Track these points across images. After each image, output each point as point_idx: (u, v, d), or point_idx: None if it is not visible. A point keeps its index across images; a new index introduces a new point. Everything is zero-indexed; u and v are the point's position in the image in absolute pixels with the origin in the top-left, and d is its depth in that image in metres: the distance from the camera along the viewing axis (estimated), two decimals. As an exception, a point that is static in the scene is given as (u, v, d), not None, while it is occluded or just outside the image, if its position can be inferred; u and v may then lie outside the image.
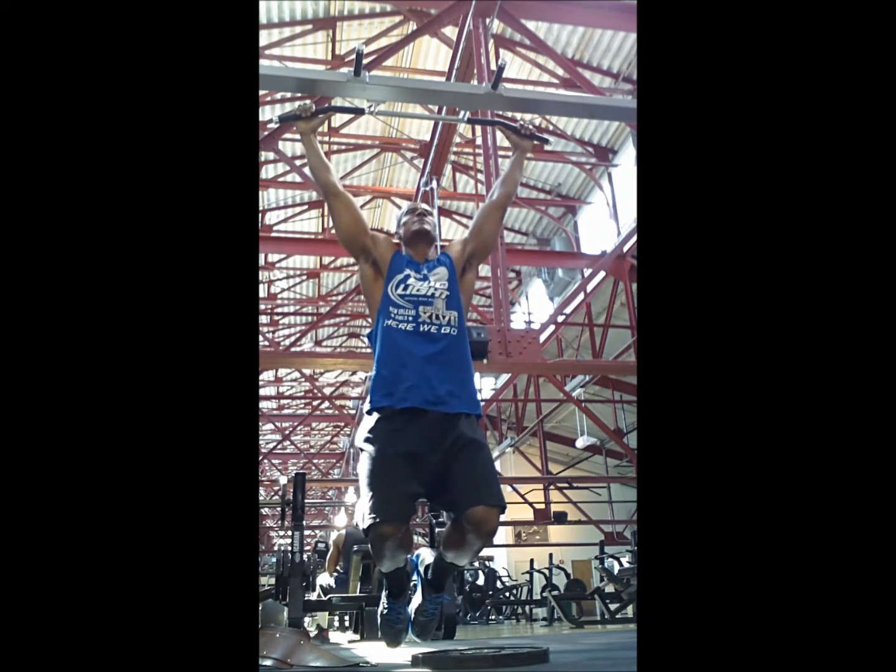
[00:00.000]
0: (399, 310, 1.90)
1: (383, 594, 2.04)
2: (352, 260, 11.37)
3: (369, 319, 12.95)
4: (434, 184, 6.30)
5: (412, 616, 2.03)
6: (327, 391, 13.14)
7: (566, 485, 9.99)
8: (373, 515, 1.71)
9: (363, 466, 1.82)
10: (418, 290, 1.92)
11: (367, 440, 1.84)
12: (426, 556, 2.05)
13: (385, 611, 2.03)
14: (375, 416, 1.85)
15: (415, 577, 2.09)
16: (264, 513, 12.07)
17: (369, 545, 1.79)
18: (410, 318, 1.89)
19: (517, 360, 4.74)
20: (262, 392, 13.67)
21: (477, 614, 9.26)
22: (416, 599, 2.03)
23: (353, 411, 13.82)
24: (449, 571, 1.98)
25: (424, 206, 2.18)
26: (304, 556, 4.56)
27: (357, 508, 1.86)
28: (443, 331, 1.90)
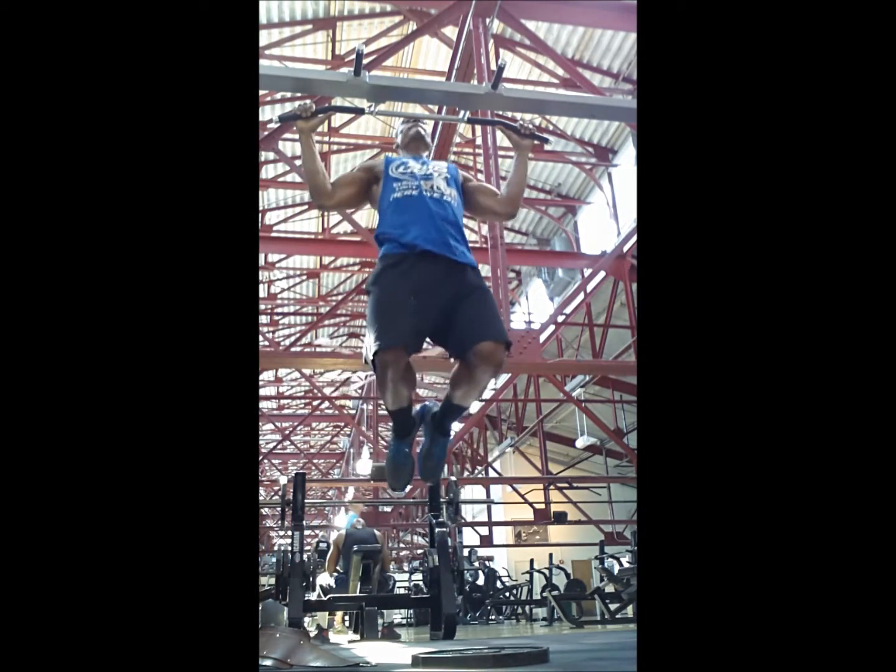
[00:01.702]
0: (402, 183, 2.01)
1: (390, 436, 2.12)
2: (352, 260, 11.36)
3: (367, 324, 12.92)
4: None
5: (421, 461, 2.10)
6: (327, 391, 13.13)
7: (566, 485, 10.00)
8: (377, 342, 1.78)
9: (370, 305, 1.91)
10: (419, 170, 2.05)
11: (373, 282, 1.93)
12: (432, 404, 2.13)
13: (392, 451, 2.11)
14: (383, 262, 1.95)
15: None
16: (264, 513, 12.07)
17: (374, 375, 1.87)
18: (414, 187, 2.00)
19: (517, 360, 4.74)
20: (262, 392, 13.67)
21: (477, 614, 9.26)
22: (425, 445, 2.10)
23: (353, 411, 13.82)
24: (456, 413, 2.07)
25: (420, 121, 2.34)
26: (304, 556, 4.56)
27: (364, 345, 1.91)
28: (445, 198, 2.00)
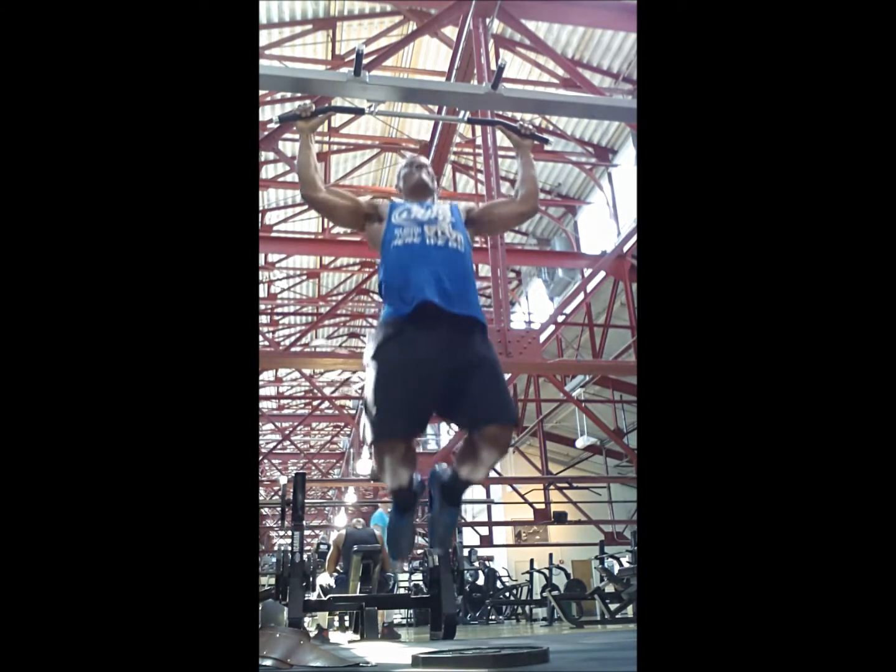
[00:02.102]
0: (404, 229, 1.92)
1: (391, 508, 2.08)
2: (352, 260, 11.35)
3: (370, 320, 12.88)
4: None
5: (429, 527, 2.06)
6: (327, 391, 13.13)
7: (566, 485, 10.00)
8: (374, 433, 1.73)
9: (369, 380, 1.82)
10: (422, 215, 1.95)
11: (374, 356, 1.84)
12: (441, 471, 2.06)
13: (392, 524, 2.07)
14: (382, 331, 1.86)
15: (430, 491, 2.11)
16: (264, 513, 12.08)
17: (372, 461, 1.84)
18: (416, 234, 1.90)
19: (517, 360, 4.74)
20: (262, 392, 13.67)
21: (477, 614, 9.26)
22: (433, 514, 2.04)
23: (353, 411, 13.82)
24: (464, 487, 2.00)
25: (423, 158, 2.23)
26: (304, 556, 4.56)
27: (362, 423, 1.88)
28: (450, 244, 1.90)
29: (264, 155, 7.69)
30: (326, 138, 8.70)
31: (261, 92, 5.50)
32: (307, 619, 5.74)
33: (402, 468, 1.84)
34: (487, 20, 5.40)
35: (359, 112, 2.42)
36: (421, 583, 9.28)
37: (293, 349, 8.91)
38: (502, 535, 12.42)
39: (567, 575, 9.22)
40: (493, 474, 11.62)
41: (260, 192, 9.41)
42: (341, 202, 2.06)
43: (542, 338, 5.79)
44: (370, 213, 2.04)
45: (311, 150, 2.04)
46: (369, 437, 1.75)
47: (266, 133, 6.35)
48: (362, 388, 1.89)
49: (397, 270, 1.88)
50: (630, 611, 6.32)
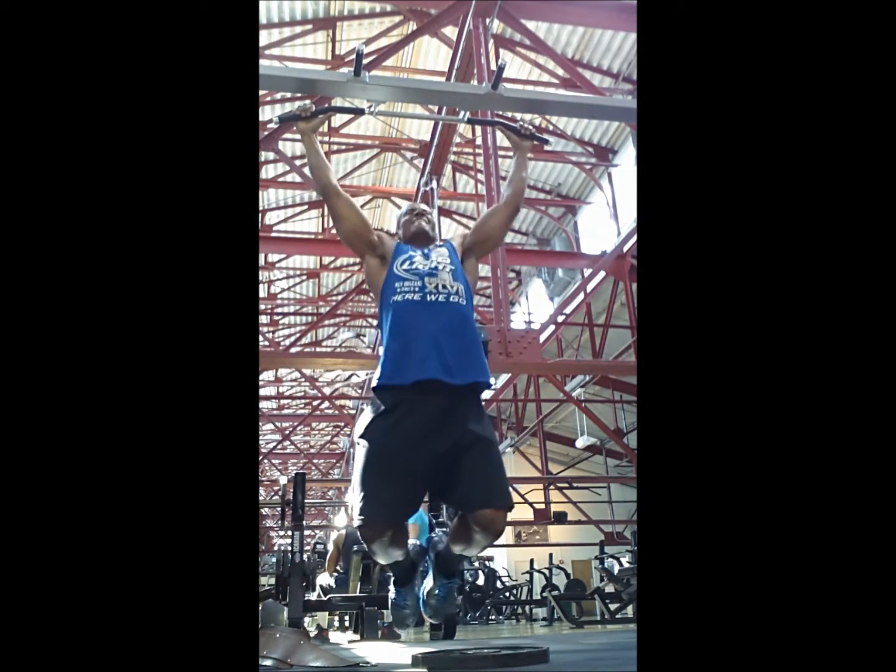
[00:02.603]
0: (405, 282, 1.88)
1: (391, 582, 2.06)
2: (352, 260, 11.34)
3: (370, 320, 12.84)
4: (434, 184, 6.31)
5: (424, 598, 2.02)
6: (327, 391, 13.14)
7: (566, 485, 9.99)
8: (362, 516, 1.71)
9: (359, 459, 1.79)
10: (423, 265, 1.92)
11: (364, 434, 1.80)
12: (437, 539, 2.04)
13: (393, 597, 2.05)
14: (376, 405, 1.82)
15: (426, 559, 2.09)
16: (264, 513, 12.07)
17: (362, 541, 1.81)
18: (417, 289, 1.86)
19: (517, 360, 4.74)
20: (262, 392, 13.67)
21: (477, 614, 9.26)
22: (428, 583, 2.01)
23: (352, 411, 13.82)
24: (458, 560, 1.97)
25: (423, 206, 2.21)
26: (304, 556, 4.56)
27: (350, 503, 1.88)
28: (451, 299, 1.87)
29: (264, 155, 7.69)
30: (326, 138, 8.70)
31: (261, 92, 5.50)
32: (307, 619, 5.74)
33: (392, 548, 1.82)
34: (487, 20, 5.40)
35: (359, 112, 2.42)
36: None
37: (293, 349, 8.91)
38: (502, 535, 12.42)
39: (567, 575, 9.22)
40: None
41: (260, 192, 9.41)
42: (353, 218, 2.01)
43: (542, 338, 5.80)
44: (374, 244, 2.00)
45: (319, 151, 2.03)
46: (356, 521, 1.74)
47: (266, 133, 6.35)
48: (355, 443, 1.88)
49: (398, 333, 1.83)
50: (630, 611, 6.32)
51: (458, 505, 1.83)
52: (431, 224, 2.12)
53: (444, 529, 2.02)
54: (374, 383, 1.84)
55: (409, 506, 1.82)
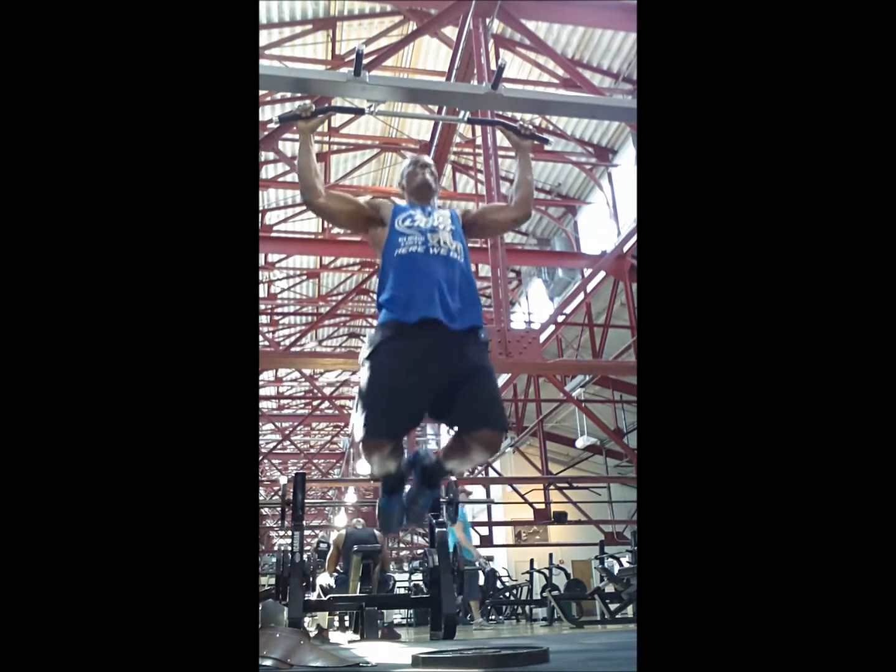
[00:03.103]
0: (408, 238, 1.96)
1: (381, 488, 2.14)
2: (352, 260, 11.34)
3: (370, 320, 12.87)
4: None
5: (407, 504, 2.12)
6: (327, 391, 13.14)
7: (566, 485, 9.99)
8: (365, 430, 1.78)
9: (363, 379, 1.87)
10: (424, 223, 1.99)
11: (369, 356, 1.87)
12: (423, 454, 2.14)
13: (381, 504, 2.13)
14: (381, 333, 1.89)
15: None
16: (264, 513, 12.07)
17: (361, 453, 1.88)
18: (420, 243, 1.94)
19: (517, 360, 4.74)
20: (262, 392, 13.67)
21: (473, 615, 9.24)
22: (412, 492, 2.11)
23: (352, 411, 13.80)
24: (442, 474, 2.08)
25: (427, 157, 2.25)
26: (304, 556, 4.56)
27: (353, 420, 1.93)
28: (451, 255, 1.95)
29: (264, 155, 7.69)
30: (326, 138, 8.70)
31: (261, 92, 5.50)
32: (307, 619, 5.74)
33: (389, 461, 1.90)
34: (487, 20, 5.40)
35: (359, 112, 2.42)
36: (421, 583, 9.28)
37: (293, 349, 8.91)
38: (502, 535, 12.42)
39: (567, 575, 9.21)
40: (493, 474, 11.65)
41: (260, 192, 9.41)
42: (343, 207, 2.07)
43: (542, 338, 5.80)
44: (372, 215, 2.07)
45: (311, 152, 2.05)
46: (358, 436, 1.80)
47: (266, 133, 6.35)
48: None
49: (401, 282, 1.91)
50: (630, 611, 6.32)
51: (456, 424, 1.90)
52: (435, 176, 2.16)
53: (429, 447, 2.11)
54: (380, 320, 1.94)
55: (409, 420, 1.91)
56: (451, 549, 5.53)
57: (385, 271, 1.97)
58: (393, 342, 1.86)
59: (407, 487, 2.13)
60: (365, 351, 1.91)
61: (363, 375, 1.87)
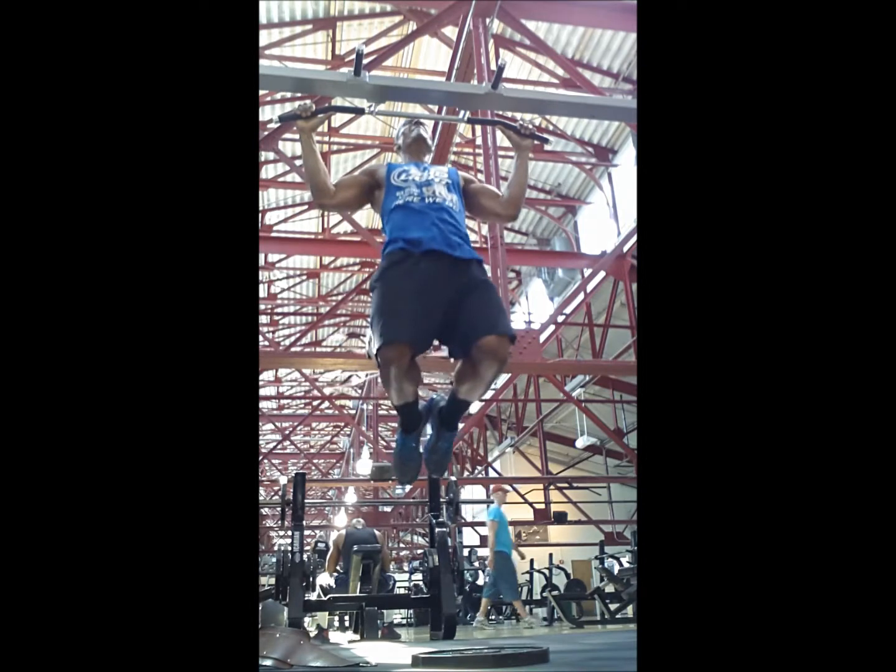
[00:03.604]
0: (403, 191, 2.04)
1: (397, 429, 2.13)
2: (352, 260, 11.34)
3: (370, 320, 12.93)
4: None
5: (426, 454, 2.12)
6: (327, 391, 13.13)
7: (566, 485, 10.00)
8: (380, 338, 1.78)
9: (374, 301, 1.92)
10: (419, 177, 2.07)
11: (378, 279, 1.94)
12: (438, 398, 2.14)
13: (399, 445, 2.12)
14: (388, 259, 1.96)
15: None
16: (264, 513, 12.08)
17: (378, 372, 1.88)
18: (416, 195, 2.02)
19: (517, 360, 4.74)
20: (262, 392, 13.67)
21: (477, 614, 9.25)
22: (431, 438, 2.11)
23: (353, 411, 13.83)
24: (462, 408, 2.07)
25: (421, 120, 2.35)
26: (304, 556, 4.56)
27: (367, 341, 1.93)
28: (447, 204, 2.02)
29: (264, 155, 7.69)
30: (326, 138, 8.70)
31: (261, 92, 5.50)
32: (307, 619, 5.74)
33: (406, 382, 1.90)
34: (487, 20, 5.40)
35: (359, 112, 2.42)
36: (421, 583, 9.28)
37: (293, 349, 8.91)
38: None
39: (567, 575, 9.22)
40: (492, 474, 11.64)
41: (260, 192, 9.41)
42: (352, 194, 2.14)
43: (542, 338, 5.79)
44: (371, 182, 2.14)
45: (315, 153, 2.06)
46: (375, 346, 1.80)
47: (266, 133, 6.35)
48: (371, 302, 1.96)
49: (401, 226, 1.98)
50: (630, 611, 6.32)
51: (463, 339, 1.90)
52: (428, 133, 2.27)
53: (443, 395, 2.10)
54: (386, 251, 1.99)
55: (423, 332, 1.90)
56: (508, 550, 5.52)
57: (386, 224, 2.05)
58: (401, 265, 1.92)
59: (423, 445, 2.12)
60: (375, 275, 1.97)
61: (375, 295, 1.92)
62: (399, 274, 1.92)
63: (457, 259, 1.94)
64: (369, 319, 1.91)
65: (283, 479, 5.28)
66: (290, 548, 4.52)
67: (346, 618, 6.67)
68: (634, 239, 6.56)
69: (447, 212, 2.01)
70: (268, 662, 2.41)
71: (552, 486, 9.83)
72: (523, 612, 6.62)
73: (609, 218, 9.18)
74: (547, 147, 8.24)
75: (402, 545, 16.16)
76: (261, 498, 9.37)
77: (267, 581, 7.88)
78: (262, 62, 2.88)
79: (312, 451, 17.05)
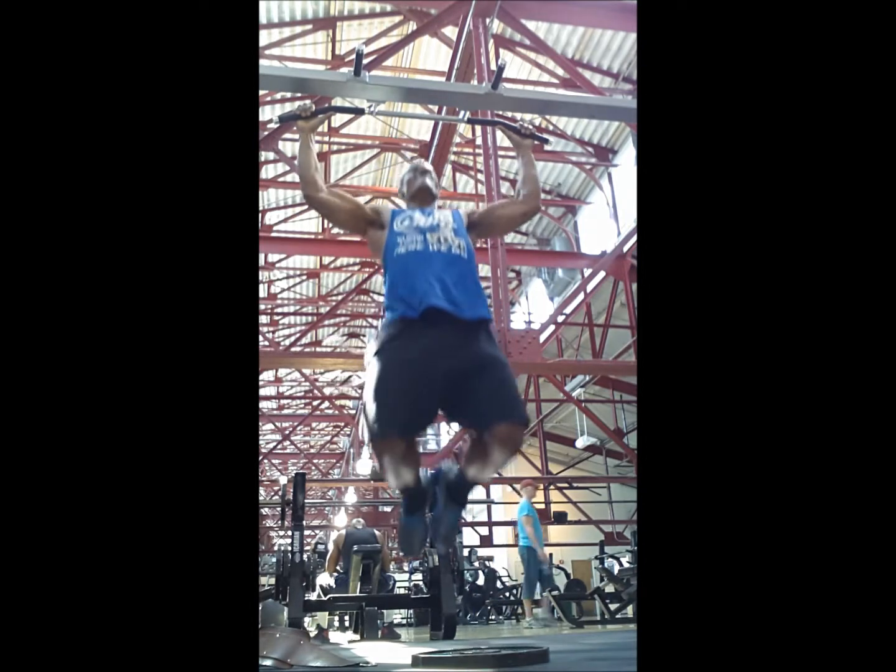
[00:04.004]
0: (407, 238, 1.92)
1: (401, 507, 2.05)
2: (352, 260, 11.33)
3: (370, 320, 12.84)
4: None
5: (433, 525, 2.01)
6: (327, 391, 13.14)
7: (566, 485, 10.00)
8: (373, 428, 1.70)
9: (370, 377, 1.78)
10: (424, 222, 1.96)
11: (377, 353, 1.81)
12: (447, 469, 2.02)
13: (402, 522, 2.03)
14: (387, 331, 1.83)
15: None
16: (264, 513, 12.08)
17: (374, 461, 1.82)
18: (419, 241, 1.90)
19: (517, 360, 4.74)
20: (262, 392, 13.67)
21: (477, 614, 9.25)
22: (438, 510, 2.00)
23: (353, 411, 13.83)
24: (470, 487, 1.96)
25: (426, 164, 2.23)
26: (304, 556, 4.56)
27: (362, 422, 1.87)
28: (453, 251, 1.91)
29: (264, 155, 7.69)
30: (326, 138, 8.70)
31: (261, 92, 5.50)
32: (307, 619, 5.74)
33: (404, 468, 1.81)
34: (487, 20, 5.41)
35: (359, 112, 2.42)
36: (421, 583, 9.28)
37: (293, 349, 8.91)
38: (502, 535, 12.42)
39: (567, 575, 9.21)
40: (493, 474, 11.64)
41: (260, 192, 9.42)
42: (342, 205, 2.05)
43: (542, 338, 5.80)
44: (372, 218, 2.04)
45: (311, 150, 2.04)
46: (367, 437, 1.73)
47: (266, 133, 6.35)
48: (363, 388, 1.84)
49: (402, 278, 1.86)
50: (630, 611, 6.32)
51: (474, 422, 1.82)
52: (434, 182, 2.14)
53: (452, 461, 1.99)
54: (384, 321, 1.88)
55: (421, 417, 1.81)
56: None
57: (386, 273, 1.94)
58: (400, 338, 1.80)
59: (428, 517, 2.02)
60: (371, 349, 1.85)
61: (370, 374, 1.79)
62: (398, 351, 1.78)
63: (462, 322, 1.79)
64: (363, 400, 1.78)
65: (283, 479, 5.28)
66: (289, 548, 4.51)
67: (346, 618, 6.66)
68: (634, 239, 6.57)
69: (454, 260, 1.89)
70: (268, 662, 2.41)
71: (552, 486, 9.83)
72: (529, 611, 6.61)
73: (609, 218, 9.19)
74: (547, 147, 8.24)
75: (401, 545, 16.12)
76: (261, 498, 9.37)
77: (267, 581, 7.88)
78: (262, 62, 2.89)
79: (312, 451, 17.06)
